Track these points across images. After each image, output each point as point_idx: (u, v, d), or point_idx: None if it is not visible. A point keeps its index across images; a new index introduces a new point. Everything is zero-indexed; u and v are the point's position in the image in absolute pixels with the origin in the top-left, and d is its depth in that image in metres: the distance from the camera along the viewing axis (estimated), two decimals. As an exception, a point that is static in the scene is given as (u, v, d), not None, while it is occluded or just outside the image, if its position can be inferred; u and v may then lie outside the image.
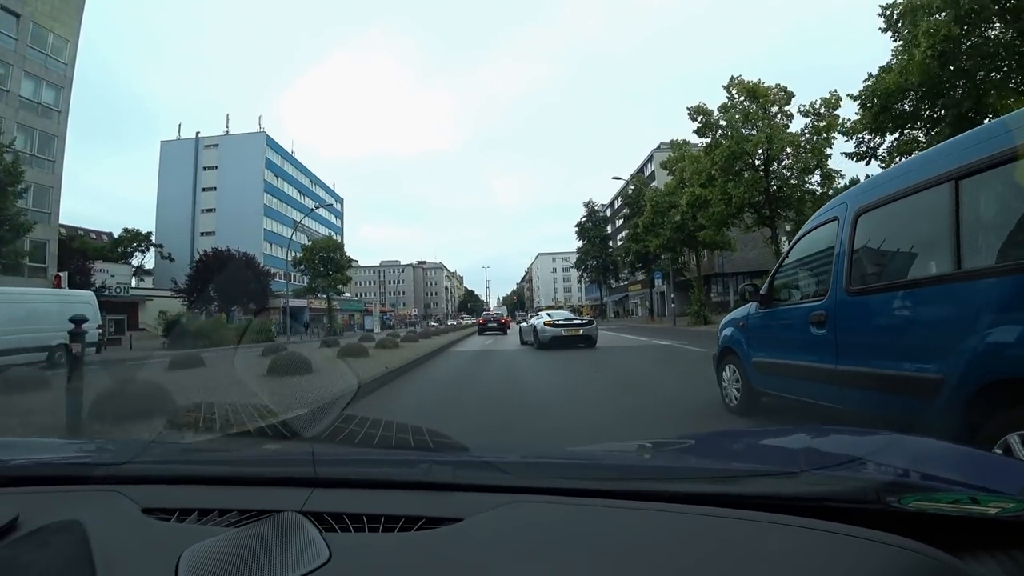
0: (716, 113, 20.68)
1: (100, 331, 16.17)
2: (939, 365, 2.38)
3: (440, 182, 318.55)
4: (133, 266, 49.68)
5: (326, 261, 43.62)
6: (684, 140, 28.81)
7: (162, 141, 59.81)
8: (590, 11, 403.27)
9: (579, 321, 14.47)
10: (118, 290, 39.64)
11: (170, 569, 0.58)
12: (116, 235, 51.35)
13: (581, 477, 0.89)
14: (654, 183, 40.78)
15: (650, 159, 53.55)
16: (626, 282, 57.33)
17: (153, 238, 52.04)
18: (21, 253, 22.42)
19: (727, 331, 4.86)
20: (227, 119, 65.25)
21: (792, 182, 20.03)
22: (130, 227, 50.60)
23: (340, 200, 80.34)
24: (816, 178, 19.82)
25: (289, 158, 64.50)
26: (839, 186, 18.63)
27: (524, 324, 18.09)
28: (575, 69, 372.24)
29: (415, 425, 1.10)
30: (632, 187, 42.59)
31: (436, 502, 0.76)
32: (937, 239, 2.56)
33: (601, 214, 56.61)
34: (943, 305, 2.50)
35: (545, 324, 13.86)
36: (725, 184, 20.06)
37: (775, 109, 20.11)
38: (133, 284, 48.08)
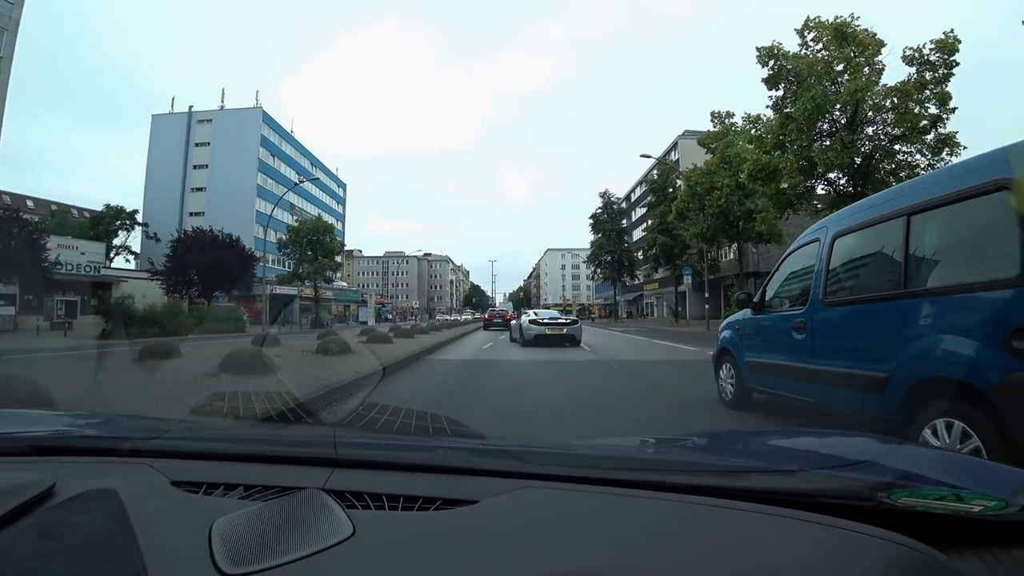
0: (789, 63, 16.20)
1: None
2: (886, 366, 2.91)
3: (450, 177, 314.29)
4: (115, 245, 46.59)
5: (314, 244, 39.63)
6: (727, 111, 24.75)
7: (153, 115, 56.21)
8: (607, 3, 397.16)
9: (563, 320, 14.68)
10: (87, 269, 36.24)
11: (204, 537, 0.61)
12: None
13: (591, 466, 0.90)
14: (681, 170, 36.34)
15: (674, 146, 49.23)
16: (641, 280, 53.09)
17: (140, 217, 48.87)
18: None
19: (725, 333, 5.35)
20: (222, 93, 60.75)
21: (892, 148, 15.42)
22: (113, 204, 47.41)
23: (343, 186, 76.44)
24: (914, 146, 15.34)
25: (288, 137, 60.50)
26: (959, 156, 14.25)
27: (514, 322, 18.10)
28: (590, 64, 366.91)
29: (434, 413, 1.16)
30: (657, 172, 38.16)
31: (453, 485, 0.79)
32: (891, 263, 3.10)
33: (617, 206, 52.39)
34: (890, 317, 3.01)
35: (530, 322, 14.11)
36: (805, 148, 15.67)
37: (862, 59, 15.71)
38: (128, 264, 44.85)
